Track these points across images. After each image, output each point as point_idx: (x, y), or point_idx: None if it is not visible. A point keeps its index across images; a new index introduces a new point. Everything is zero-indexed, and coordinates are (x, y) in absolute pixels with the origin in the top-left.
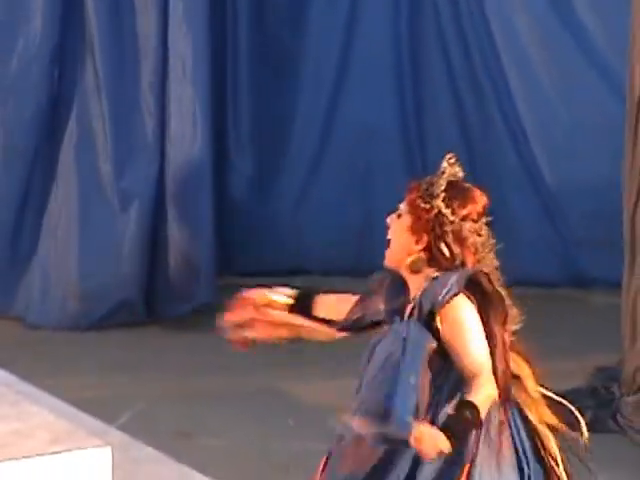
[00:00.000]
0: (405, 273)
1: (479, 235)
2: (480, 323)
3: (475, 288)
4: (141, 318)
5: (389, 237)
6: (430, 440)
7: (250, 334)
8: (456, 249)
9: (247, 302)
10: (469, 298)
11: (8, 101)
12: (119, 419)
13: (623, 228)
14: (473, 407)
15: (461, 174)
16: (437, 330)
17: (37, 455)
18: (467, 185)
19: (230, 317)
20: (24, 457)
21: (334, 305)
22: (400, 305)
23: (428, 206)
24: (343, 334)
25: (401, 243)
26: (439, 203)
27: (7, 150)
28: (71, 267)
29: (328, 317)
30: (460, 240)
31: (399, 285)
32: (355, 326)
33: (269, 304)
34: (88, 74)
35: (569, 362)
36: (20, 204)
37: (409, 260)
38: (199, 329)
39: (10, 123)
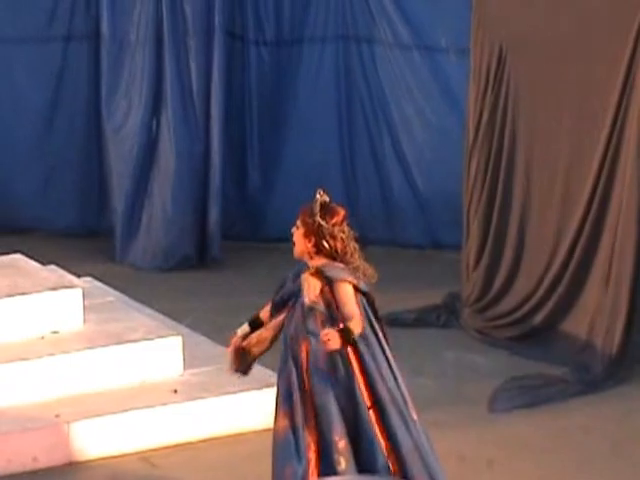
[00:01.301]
0: (307, 260)
1: (343, 232)
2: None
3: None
4: (194, 264)
5: (294, 241)
6: (333, 338)
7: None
8: (331, 243)
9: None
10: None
11: (125, 144)
12: (184, 321)
13: (463, 219)
14: (349, 329)
15: (327, 199)
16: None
17: (143, 340)
18: (333, 205)
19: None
20: (131, 342)
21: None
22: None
23: (312, 221)
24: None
25: (300, 244)
26: (318, 218)
27: (123, 173)
28: (160, 236)
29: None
30: (333, 237)
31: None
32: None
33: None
34: (164, 126)
35: (433, 292)
36: (132, 199)
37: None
38: (219, 270)
39: (123, 157)
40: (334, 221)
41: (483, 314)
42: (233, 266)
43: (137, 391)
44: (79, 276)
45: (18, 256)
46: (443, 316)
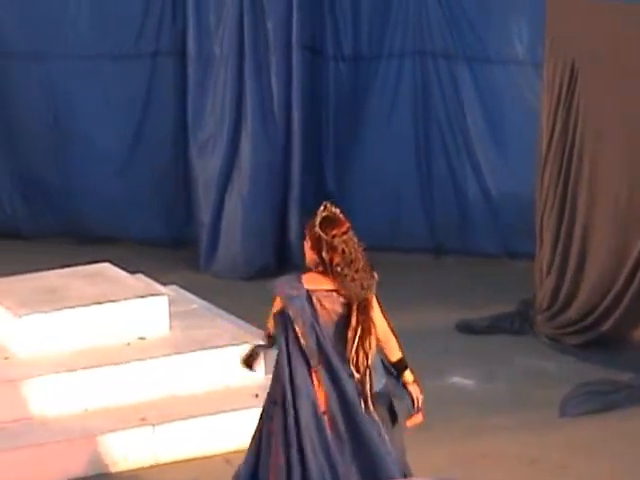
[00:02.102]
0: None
1: (345, 244)
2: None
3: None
4: (274, 272)
5: (304, 252)
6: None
7: None
8: (330, 255)
9: None
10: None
11: (210, 157)
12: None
13: (535, 226)
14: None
15: (334, 211)
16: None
17: (226, 346)
18: (337, 217)
19: None
20: (215, 348)
21: None
22: None
23: (313, 232)
24: None
25: (308, 255)
26: (317, 230)
27: (208, 185)
28: (241, 245)
29: None
30: (333, 248)
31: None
32: None
33: None
34: (245, 139)
35: (506, 299)
36: (217, 210)
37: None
38: None
39: (207, 169)
40: (334, 232)
41: (553, 321)
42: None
43: (220, 395)
44: (164, 284)
45: (107, 265)
46: (516, 323)
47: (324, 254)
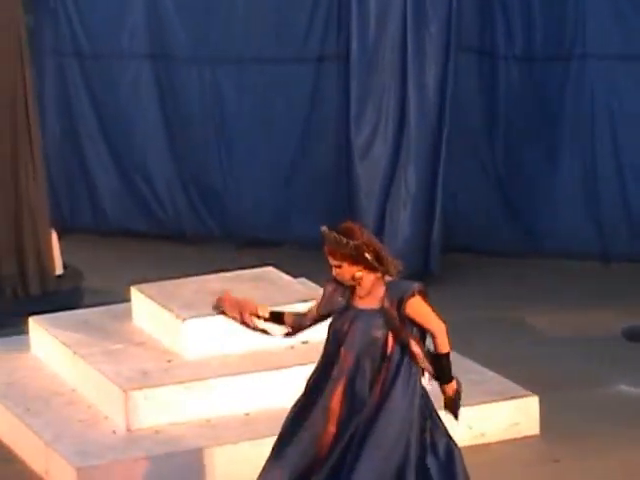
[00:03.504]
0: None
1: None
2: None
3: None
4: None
5: (339, 280)
6: None
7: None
8: (372, 249)
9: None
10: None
11: (372, 162)
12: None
13: None
14: (447, 355)
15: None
16: (404, 311)
17: None
18: (351, 225)
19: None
20: None
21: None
22: (347, 299)
23: (348, 248)
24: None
25: (350, 273)
26: (350, 241)
27: (370, 191)
28: (400, 253)
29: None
30: (370, 242)
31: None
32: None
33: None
34: (405, 143)
35: None
36: (378, 215)
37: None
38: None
39: (370, 174)
40: (357, 234)
41: None
42: (454, 279)
43: None
44: None
45: (270, 269)
46: None
47: (368, 255)
